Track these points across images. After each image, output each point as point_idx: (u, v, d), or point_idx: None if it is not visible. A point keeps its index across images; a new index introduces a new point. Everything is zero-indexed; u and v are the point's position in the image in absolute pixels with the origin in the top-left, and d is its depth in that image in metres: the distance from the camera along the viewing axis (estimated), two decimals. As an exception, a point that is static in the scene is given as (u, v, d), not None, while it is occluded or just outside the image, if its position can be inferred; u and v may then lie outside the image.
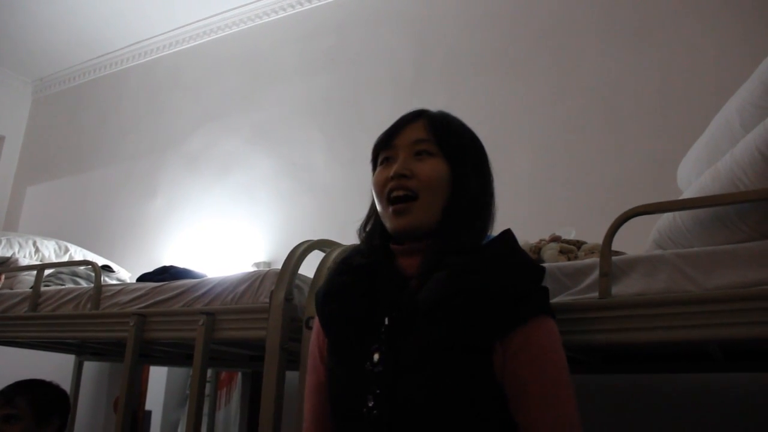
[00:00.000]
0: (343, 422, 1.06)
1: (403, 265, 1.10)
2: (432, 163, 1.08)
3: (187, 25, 4.14)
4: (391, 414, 0.97)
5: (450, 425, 0.96)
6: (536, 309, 1.00)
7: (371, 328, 1.04)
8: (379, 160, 1.14)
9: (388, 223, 1.10)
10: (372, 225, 1.17)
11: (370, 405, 0.99)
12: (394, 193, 1.07)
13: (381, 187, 1.10)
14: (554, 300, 1.25)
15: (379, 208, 1.12)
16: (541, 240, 1.59)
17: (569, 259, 1.45)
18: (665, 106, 2.43)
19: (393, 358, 1.00)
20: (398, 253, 1.11)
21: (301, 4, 3.71)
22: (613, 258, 1.21)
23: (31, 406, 2.31)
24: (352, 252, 1.19)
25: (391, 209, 1.08)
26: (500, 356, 0.97)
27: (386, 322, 1.03)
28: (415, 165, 1.08)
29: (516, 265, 1.03)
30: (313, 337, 1.19)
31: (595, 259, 1.25)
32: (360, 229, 1.20)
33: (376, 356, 1.01)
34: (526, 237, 1.65)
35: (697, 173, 1.46)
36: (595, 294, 1.20)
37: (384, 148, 1.13)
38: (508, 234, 1.11)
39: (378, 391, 0.99)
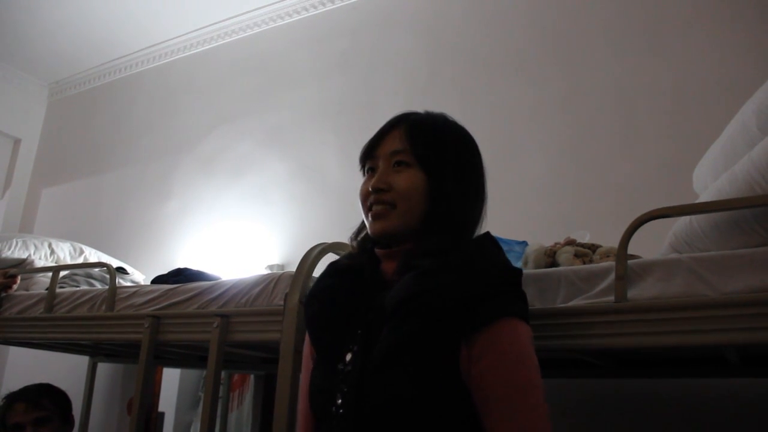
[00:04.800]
0: (318, 421, 1.08)
1: (385, 269, 1.13)
2: (408, 175, 1.10)
3: (201, 28, 4.17)
4: (356, 413, 0.98)
5: (413, 426, 0.95)
6: (502, 310, 0.98)
7: (350, 330, 1.06)
8: (365, 169, 1.18)
9: (369, 228, 1.14)
10: (365, 233, 1.21)
11: (339, 403, 1.01)
12: (374, 208, 1.11)
13: (364, 198, 1.15)
14: (569, 303, 1.24)
15: (363, 215, 1.17)
16: (555, 243, 1.58)
17: (584, 263, 1.45)
18: (680, 109, 2.41)
19: (363, 358, 1.01)
20: (382, 257, 1.14)
21: (315, 8, 3.72)
22: (629, 261, 1.20)
23: (56, 406, 2.35)
24: (343, 256, 1.24)
25: (370, 214, 1.12)
26: (466, 359, 0.96)
27: (363, 323, 1.05)
28: (393, 177, 1.11)
29: (482, 266, 1.02)
30: (307, 338, 1.22)
31: (610, 263, 1.24)
32: (351, 237, 1.23)
33: (348, 356, 1.04)
34: (540, 240, 1.64)
35: (713, 176, 1.44)
36: (611, 298, 1.19)
37: (368, 158, 1.17)
38: (483, 237, 1.13)
39: (346, 390, 1.01)
